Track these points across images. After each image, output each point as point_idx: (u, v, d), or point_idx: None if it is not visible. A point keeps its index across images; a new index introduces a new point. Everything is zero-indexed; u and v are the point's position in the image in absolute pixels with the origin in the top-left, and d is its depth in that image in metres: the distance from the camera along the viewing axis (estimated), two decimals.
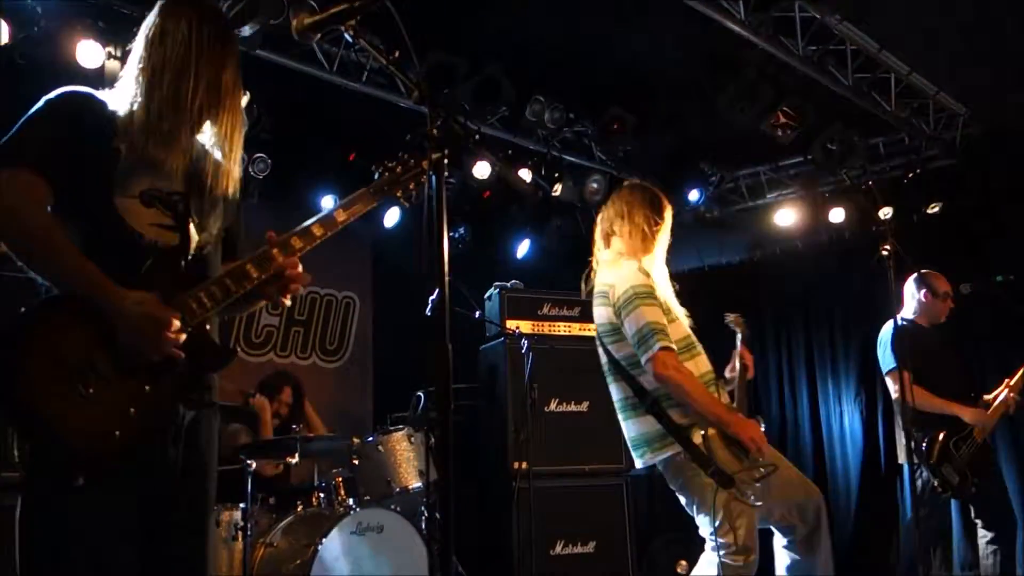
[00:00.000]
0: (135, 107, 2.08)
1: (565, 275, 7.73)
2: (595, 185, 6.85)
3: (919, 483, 4.74)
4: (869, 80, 5.67)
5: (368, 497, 4.68)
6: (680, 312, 3.62)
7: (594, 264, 3.69)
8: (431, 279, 1.79)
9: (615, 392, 3.58)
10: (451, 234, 7.17)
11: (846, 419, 7.25)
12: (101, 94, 2.12)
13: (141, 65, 2.10)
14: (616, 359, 3.52)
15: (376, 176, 2.36)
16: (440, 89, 4.91)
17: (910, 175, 6.39)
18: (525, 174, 6.27)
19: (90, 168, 2.02)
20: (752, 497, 3.25)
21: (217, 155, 2.18)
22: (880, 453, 7.03)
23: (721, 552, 3.31)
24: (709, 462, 3.24)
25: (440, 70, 4.95)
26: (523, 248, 7.46)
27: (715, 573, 3.31)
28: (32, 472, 1.93)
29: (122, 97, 2.11)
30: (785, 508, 3.52)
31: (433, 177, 1.87)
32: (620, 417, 3.56)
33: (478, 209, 7.10)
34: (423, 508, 4.67)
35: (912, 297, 5.09)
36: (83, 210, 2.04)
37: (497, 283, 6.04)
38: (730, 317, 3.94)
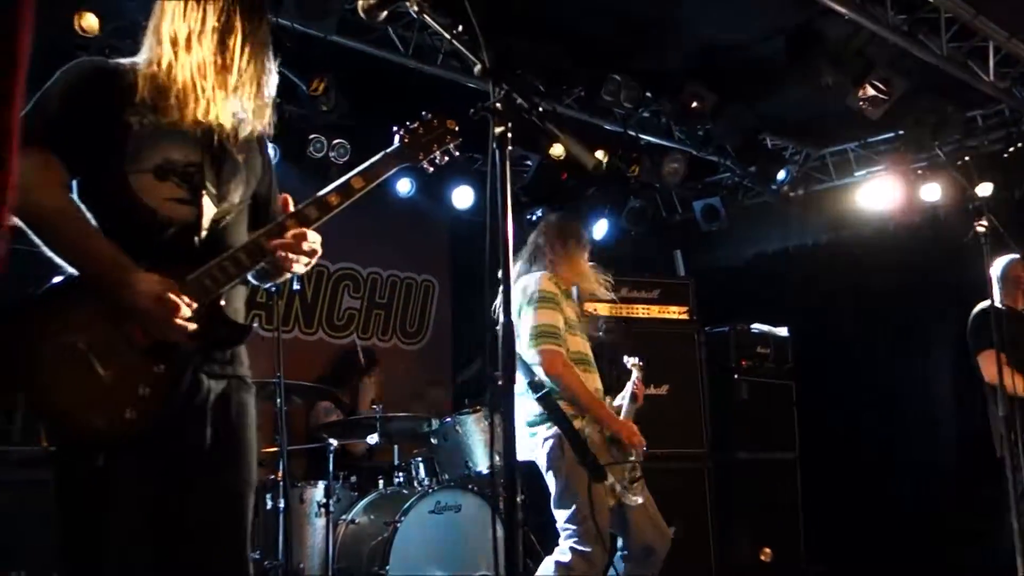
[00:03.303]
0: (156, 74, 2.01)
1: (644, 257, 7.69)
2: (674, 165, 6.71)
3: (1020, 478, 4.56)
4: (965, 49, 5.42)
5: (446, 477, 4.72)
6: (581, 330, 3.87)
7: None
8: (493, 262, 1.75)
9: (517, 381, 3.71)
10: (528, 216, 7.20)
11: (939, 405, 6.98)
12: (119, 62, 2.07)
13: (169, 29, 2.03)
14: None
15: (396, 140, 2.21)
16: (512, 70, 4.89)
17: (1010, 149, 6.09)
18: (601, 155, 6.19)
19: (102, 143, 1.98)
20: (631, 496, 3.52)
21: (240, 120, 2.10)
22: (983, 441, 6.75)
23: (574, 541, 3.49)
24: (587, 451, 3.46)
25: (512, 52, 4.93)
26: (601, 230, 7.39)
27: (567, 560, 3.47)
28: (54, 450, 1.93)
29: (143, 64, 2.04)
30: (633, 540, 3.68)
31: (496, 151, 1.82)
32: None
33: (555, 191, 7.06)
34: (500, 489, 4.68)
35: (1001, 278, 4.87)
36: (97, 187, 2.00)
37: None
38: (630, 361, 4.16)
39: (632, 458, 3.64)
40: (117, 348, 1.90)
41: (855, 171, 7.14)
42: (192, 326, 1.93)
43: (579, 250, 4.00)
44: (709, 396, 5.71)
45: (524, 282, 3.79)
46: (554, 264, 3.88)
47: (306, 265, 2.11)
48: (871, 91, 5.55)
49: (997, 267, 4.87)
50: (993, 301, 4.42)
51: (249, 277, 2.14)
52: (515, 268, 3.90)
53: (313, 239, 2.09)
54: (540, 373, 3.58)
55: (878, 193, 6.72)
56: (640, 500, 3.59)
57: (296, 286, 5.13)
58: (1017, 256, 4.77)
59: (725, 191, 7.39)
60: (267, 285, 2.35)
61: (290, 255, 2.05)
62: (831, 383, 7.63)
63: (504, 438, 1.95)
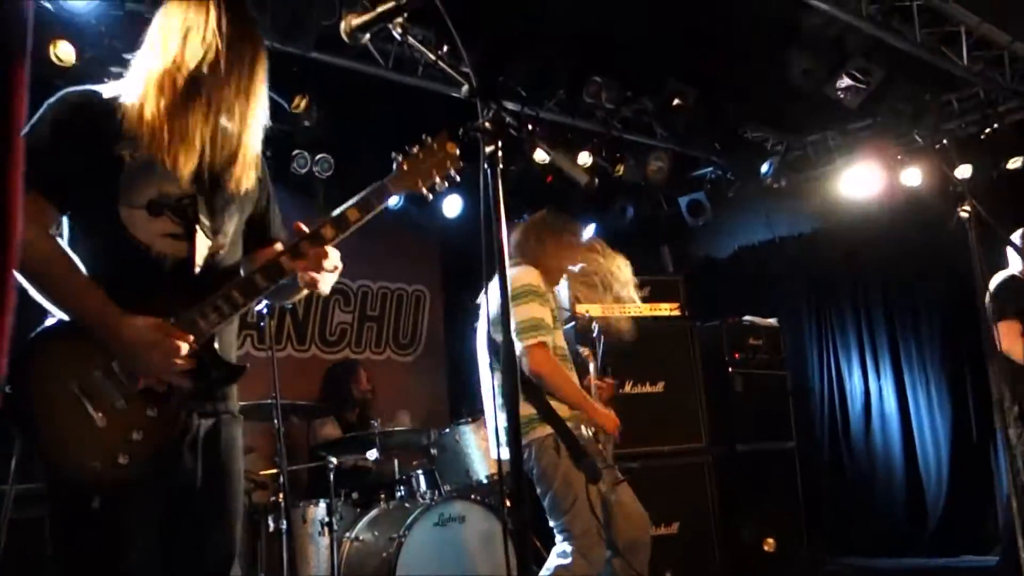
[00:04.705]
0: (146, 104, 1.96)
1: (632, 256, 7.69)
2: (658, 163, 6.75)
3: (1018, 448, 4.60)
4: (938, 34, 5.46)
5: (448, 488, 4.72)
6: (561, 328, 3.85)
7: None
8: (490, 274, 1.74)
9: (496, 380, 3.70)
10: (515, 220, 7.20)
11: (932, 386, 7.04)
12: (107, 89, 2.01)
13: (157, 57, 1.98)
14: (499, 347, 3.58)
15: (394, 167, 2.12)
16: (494, 77, 4.90)
17: (987, 131, 6.14)
18: (585, 157, 6.21)
19: (93, 179, 1.95)
20: (613, 497, 3.53)
21: (232, 147, 2.06)
22: (971, 420, 6.82)
23: (575, 541, 3.48)
24: (583, 452, 3.44)
25: (493, 58, 4.94)
26: (589, 231, 7.39)
27: (568, 562, 3.46)
28: (51, 491, 1.93)
29: (131, 92, 1.99)
30: (620, 535, 3.67)
31: (488, 171, 1.83)
32: (497, 404, 3.59)
33: (541, 194, 7.06)
34: (503, 497, 4.69)
35: (1020, 253, 4.93)
36: (90, 224, 1.98)
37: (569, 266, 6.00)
38: (584, 351, 4.16)
39: (609, 454, 3.64)
40: (110, 392, 1.90)
41: (836, 159, 7.18)
42: (188, 365, 1.92)
43: (572, 245, 3.96)
44: (704, 391, 5.72)
45: (510, 274, 3.71)
46: (540, 260, 3.83)
47: (328, 282, 2.11)
48: (849, 80, 5.60)
49: (1016, 237, 4.95)
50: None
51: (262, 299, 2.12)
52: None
53: (334, 255, 2.08)
54: (526, 369, 3.54)
55: (860, 180, 6.77)
56: (624, 499, 3.59)
57: (288, 304, 5.12)
58: None
59: (710, 185, 7.42)
60: (261, 306, 2.33)
61: (314, 274, 2.06)
62: (824, 371, 7.70)
63: (511, 448, 1.95)
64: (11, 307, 0.88)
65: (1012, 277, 4.97)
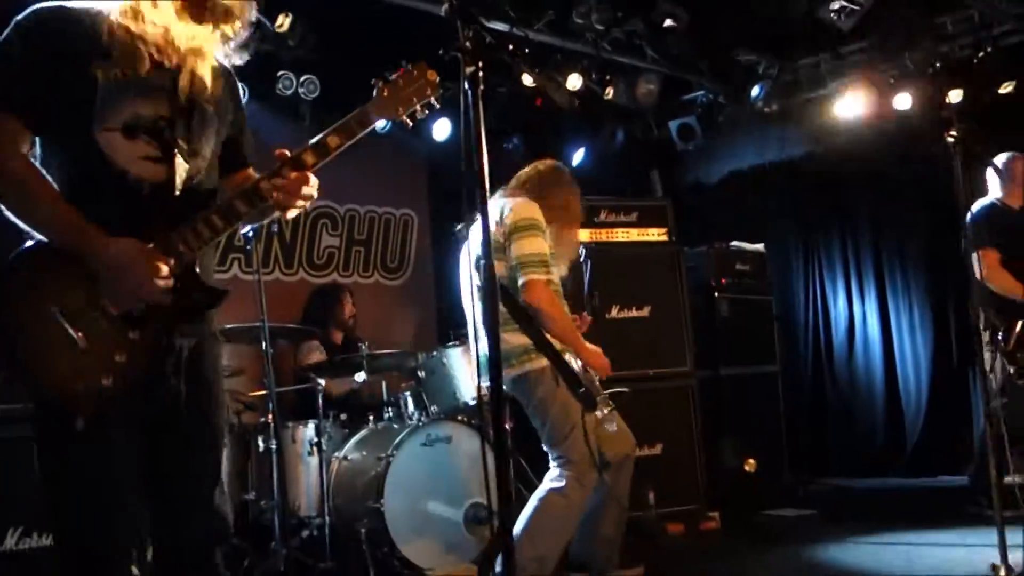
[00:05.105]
0: (120, 18, 1.94)
1: (621, 180, 7.67)
2: (649, 86, 6.65)
3: (995, 373, 4.68)
4: None
5: (435, 409, 4.79)
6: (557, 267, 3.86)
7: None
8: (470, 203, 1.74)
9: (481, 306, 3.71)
10: (504, 145, 7.15)
11: (915, 312, 7.11)
12: (78, 4, 1.96)
13: None
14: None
15: (374, 92, 2.10)
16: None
17: (980, 54, 6.06)
18: (575, 79, 6.13)
19: (67, 100, 1.90)
20: (607, 425, 3.60)
21: (207, 66, 2.04)
22: (952, 346, 6.91)
23: (570, 467, 3.58)
24: (579, 382, 3.50)
25: None
26: (579, 155, 7.34)
27: (562, 486, 3.56)
28: (36, 412, 1.94)
29: (102, 6, 1.96)
30: (612, 452, 3.77)
31: (469, 91, 1.80)
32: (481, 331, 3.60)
33: (530, 118, 6.99)
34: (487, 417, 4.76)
35: (1000, 177, 4.92)
36: (64, 148, 1.95)
37: None
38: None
39: (599, 387, 3.70)
40: (91, 314, 1.88)
41: (828, 83, 7.09)
42: (169, 283, 1.91)
43: (573, 204, 3.96)
44: (690, 315, 5.77)
45: (503, 205, 3.72)
46: (544, 200, 3.80)
47: (299, 208, 2.10)
48: (842, 2, 5.51)
49: (998, 162, 4.93)
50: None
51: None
52: (497, 195, 3.84)
53: (313, 183, 2.07)
54: (523, 300, 3.56)
55: (851, 104, 6.70)
56: (615, 428, 3.65)
57: (274, 227, 5.11)
58: (1018, 153, 4.82)
59: (700, 109, 7.34)
60: (246, 229, 2.32)
61: (288, 197, 2.04)
62: (809, 296, 7.76)
63: (491, 367, 1.98)
64: None
65: (991, 205, 4.99)
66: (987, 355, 4.92)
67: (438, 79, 2.12)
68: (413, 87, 2.11)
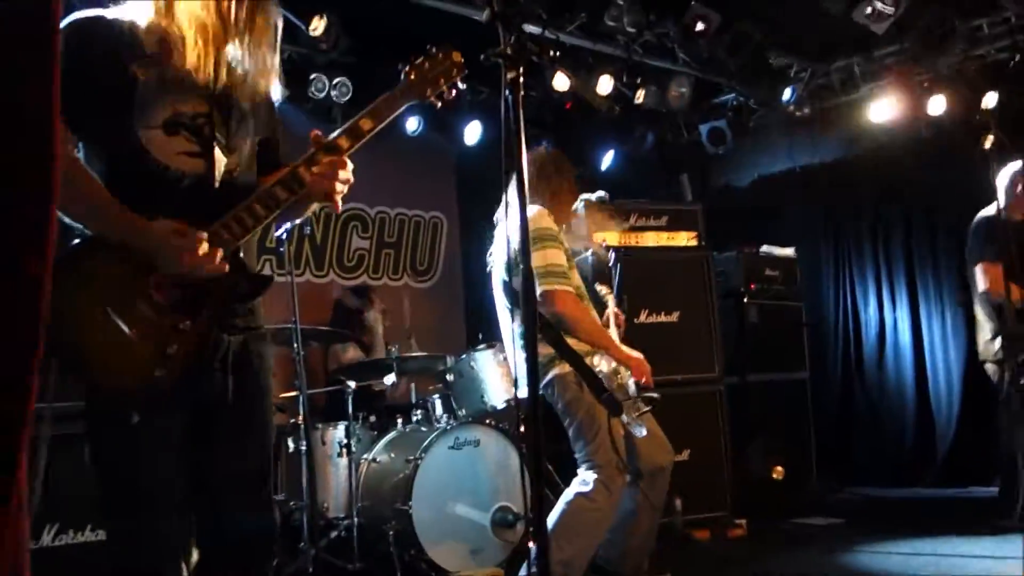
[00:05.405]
0: (155, 25, 1.99)
1: (651, 184, 7.65)
2: (681, 90, 6.63)
3: (1005, 383, 4.67)
4: None
5: (463, 413, 4.79)
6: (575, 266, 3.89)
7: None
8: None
9: (515, 323, 3.75)
10: (534, 147, 7.14)
11: (948, 319, 7.02)
12: (112, 13, 2.01)
13: None
14: (516, 291, 3.63)
15: (402, 76, 2.16)
16: (515, 1, 4.79)
17: (1016, 57, 5.98)
18: (606, 82, 6.11)
19: (108, 101, 1.95)
20: (637, 428, 3.56)
21: (245, 66, 2.07)
22: None
23: (597, 471, 3.56)
24: (603, 387, 3.48)
25: None
26: (608, 159, 7.33)
27: (589, 490, 3.54)
28: (89, 408, 1.96)
29: (140, 14, 2.00)
30: (644, 463, 3.75)
31: (510, 97, 1.81)
32: (517, 347, 3.63)
33: (561, 121, 6.99)
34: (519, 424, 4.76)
35: (1007, 188, 4.86)
36: (107, 146, 1.99)
37: (582, 195, 5.97)
38: (603, 290, 4.28)
39: (631, 387, 3.67)
40: (139, 307, 1.91)
41: (861, 86, 7.03)
42: (220, 256, 1.94)
43: (572, 184, 4.00)
44: (719, 320, 5.73)
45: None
46: (550, 198, 3.84)
47: (339, 193, 2.11)
48: (876, 5, 5.46)
49: (1004, 176, 4.86)
50: (995, 211, 4.45)
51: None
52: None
53: (349, 167, 2.09)
54: (545, 312, 3.57)
55: (884, 108, 6.64)
56: (645, 432, 3.63)
57: (306, 229, 5.15)
58: (1021, 164, 4.75)
59: (731, 113, 7.31)
60: (286, 226, 2.32)
61: (327, 182, 2.05)
62: (840, 302, 7.69)
63: (528, 369, 1.98)
64: (55, 226, 0.90)
65: (993, 216, 4.89)
66: (990, 366, 4.94)
67: (462, 60, 2.16)
68: (439, 69, 2.16)
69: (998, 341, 4.76)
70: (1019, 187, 4.65)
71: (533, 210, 3.73)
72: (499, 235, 3.89)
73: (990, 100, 6.20)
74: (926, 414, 7.12)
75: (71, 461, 3.25)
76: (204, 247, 1.92)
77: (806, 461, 6.25)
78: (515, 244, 3.64)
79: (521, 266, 1.96)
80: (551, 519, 3.56)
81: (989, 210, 5.00)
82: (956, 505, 6.24)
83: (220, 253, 1.94)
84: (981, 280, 4.84)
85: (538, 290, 3.57)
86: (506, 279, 3.76)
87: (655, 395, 3.69)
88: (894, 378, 7.37)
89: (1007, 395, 4.72)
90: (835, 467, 6.89)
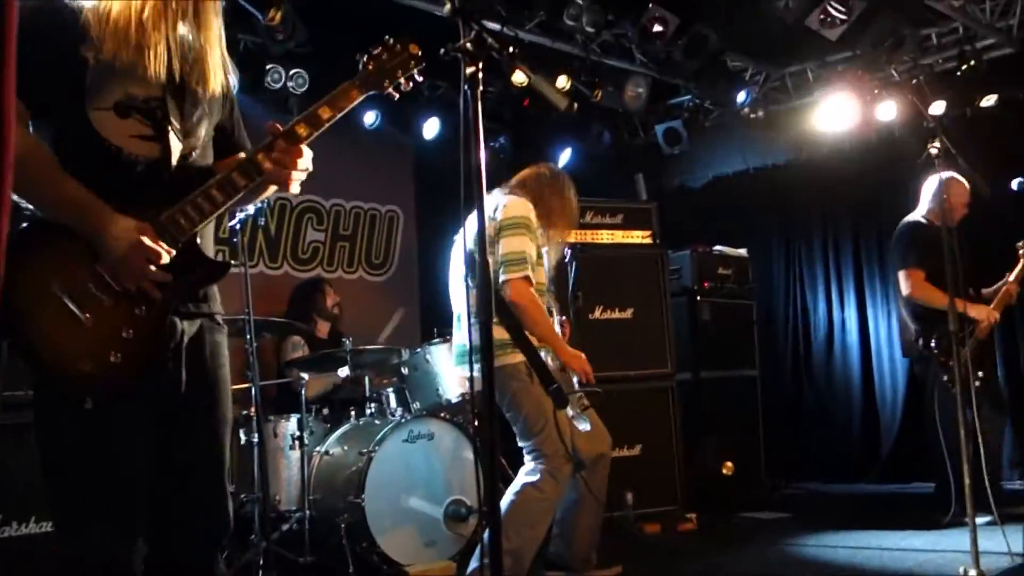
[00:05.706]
0: (105, 6, 1.96)
1: (607, 182, 7.71)
2: (637, 90, 6.70)
3: (931, 383, 4.93)
4: None
5: (418, 406, 4.80)
6: (547, 265, 3.98)
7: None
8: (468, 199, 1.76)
9: (471, 299, 3.77)
10: (491, 144, 7.18)
11: (893, 318, 7.19)
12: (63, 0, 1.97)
13: None
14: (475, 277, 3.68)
15: (360, 67, 2.15)
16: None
17: (963, 67, 6.15)
18: (563, 81, 6.16)
19: (58, 83, 1.92)
20: (580, 423, 3.63)
21: (195, 51, 2.05)
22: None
23: (544, 461, 3.64)
24: (552, 379, 3.57)
25: None
26: (565, 156, 7.38)
27: (537, 479, 3.61)
28: (39, 396, 1.92)
29: (89, 3, 1.97)
30: (586, 452, 3.83)
31: (468, 92, 1.82)
32: (470, 323, 3.67)
33: (518, 117, 7.02)
34: (471, 416, 4.78)
35: (935, 194, 5.01)
36: (57, 128, 1.96)
37: None
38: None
39: (576, 386, 3.73)
40: (94, 292, 1.88)
41: (814, 91, 7.17)
42: (168, 276, 1.91)
43: (570, 208, 4.03)
44: (672, 318, 5.81)
45: (498, 202, 3.79)
46: (540, 201, 3.88)
47: (296, 181, 2.10)
48: (829, 11, 5.57)
49: (932, 183, 5.00)
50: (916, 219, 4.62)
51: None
52: (496, 191, 3.90)
53: (308, 155, 2.08)
54: (506, 297, 3.63)
55: (836, 113, 6.78)
56: (588, 427, 3.68)
57: (260, 220, 5.10)
58: (952, 174, 4.90)
59: (687, 113, 7.40)
60: (239, 216, 2.30)
61: (286, 170, 2.04)
62: (790, 301, 7.83)
63: (484, 366, 2.00)
64: (7, 209, 0.89)
65: (916, 223, 5.11)
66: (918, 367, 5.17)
67: (420, 51, 2.15)
68: (397, 61, 2.16)
69: (921, 341, 4.94)
70: (946, 196, 4.79)
71: (516, 200, 3.80)
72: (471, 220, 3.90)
73: (938, 108, 6.37)
74: (872, 411, 7.30)
75: (16, 451, 3.19)
76: (164, 259, 1.89)
77: (755, 456, 6.37)
78: (492, 223, 3.70)
79: (478, 260, 1.98)
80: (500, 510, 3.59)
81: (912, 216, 5.19)
82: (899, 500, 6.41)
83: (166, 276, 1.91)
84: (904, 285, 5.03)
85: (501, 276, 3.65)
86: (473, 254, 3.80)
87: (598, 390, 3.75)
88: (842, 376, 7.53)
89: (931, 393, 4.91)
90: (783, 463, 7.02)
